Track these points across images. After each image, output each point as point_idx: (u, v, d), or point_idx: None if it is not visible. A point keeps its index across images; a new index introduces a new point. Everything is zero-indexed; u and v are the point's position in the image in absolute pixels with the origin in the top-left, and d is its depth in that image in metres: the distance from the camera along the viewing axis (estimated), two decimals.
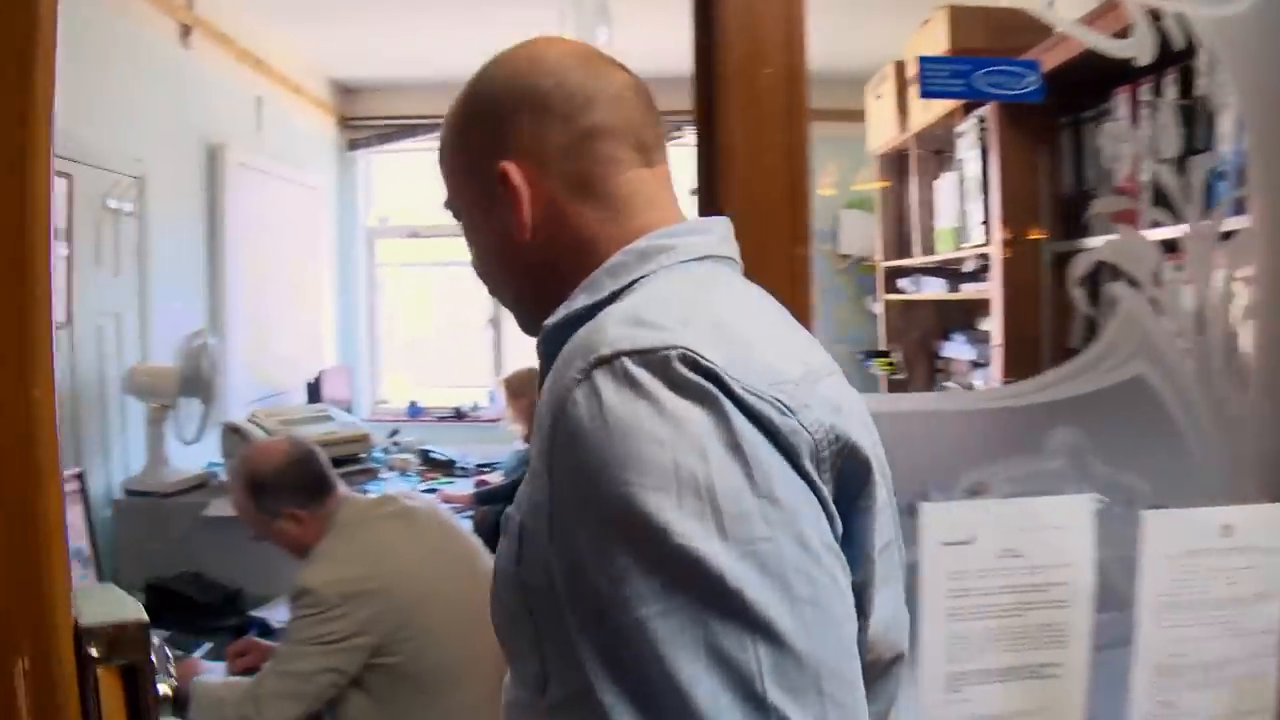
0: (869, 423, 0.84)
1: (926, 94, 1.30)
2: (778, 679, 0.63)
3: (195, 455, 3.54)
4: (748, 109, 1.20)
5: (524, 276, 0.92)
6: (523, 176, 0.87)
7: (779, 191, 1.20)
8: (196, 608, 2.98)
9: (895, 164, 4.17)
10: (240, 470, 2.45)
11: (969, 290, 3.39)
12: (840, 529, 0.73)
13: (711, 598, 0.64)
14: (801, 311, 1.22)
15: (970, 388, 3.66)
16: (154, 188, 3.48)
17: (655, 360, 0.68)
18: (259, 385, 4.45)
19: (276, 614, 3.03)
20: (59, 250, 2.98)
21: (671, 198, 0.92)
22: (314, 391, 4.69)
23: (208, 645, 2.70)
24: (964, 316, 3.91)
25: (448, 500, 4.54)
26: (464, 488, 4.70)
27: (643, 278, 0.82)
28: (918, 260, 3.88)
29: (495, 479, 4.88)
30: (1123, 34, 1.36)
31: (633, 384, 0.67)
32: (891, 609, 0.84)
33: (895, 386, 4.05)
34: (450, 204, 0.96)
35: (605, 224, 0.87)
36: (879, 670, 0.84)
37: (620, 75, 0.91)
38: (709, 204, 1.22)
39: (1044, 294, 2.84)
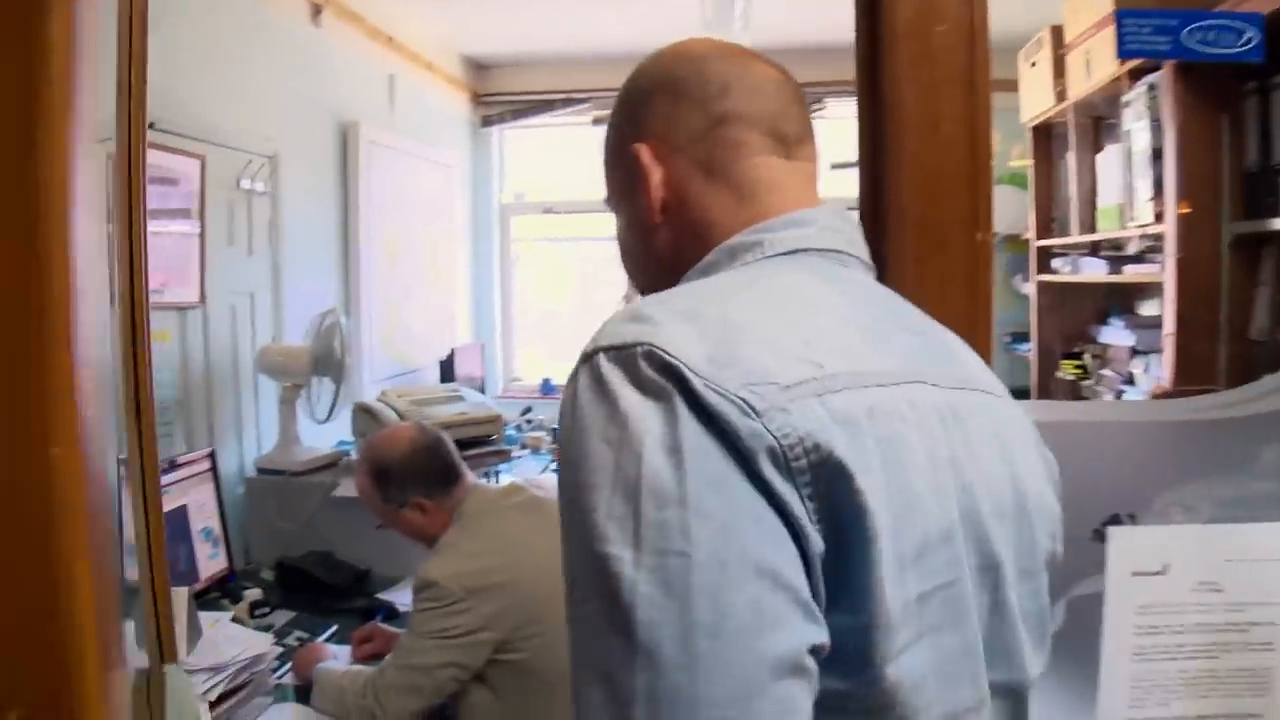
0: (948, 454, 0.76)
1: (1125, 53, 1.12)
2: (650, 709, 0.60)
3: (327, 434, 3.54)
4: (919, 72, 1.04)
5: (655, 268, 0.93)
6: (653, 156, 0.90)
7: (957, 167, 1.04)
8: (324, 588, 2.96)
9: (1051, 136, 3.89)
10: (366, 457, 2.42)
11: (1133, 273, 3.13)
12: (819, 548, 0.66)
13: (611, 608, 0.62)
14: (980, 306, 1.06)
15: (1129, 378, 3.41)
16: (287, 167, 3.47)
17: (625, 357, 0.67)
18: (392, 363, 4.45)
19: (404, 597, 3.00)
20: (192, 229, 2.98)
21: (805, 189, 0.91)
22: (446, 369, 4.67)
23: (334, 627, 2.67)
24: (1123, 299, 3.64)
25: None
26: None
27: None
28: (1075, 239, 3.61)
29: None
30: None
31: (600, 381, 0.67)
32: (935, 665, 0.73)
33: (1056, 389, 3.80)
34: (607, 198, 0.99)
35: (727, 209, 0.88)
36: None
37: (764, 68, 0.92)
38: (872, 183, 1.07)
39: (1224, 278, 2.59)
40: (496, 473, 3.89)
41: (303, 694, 2.25)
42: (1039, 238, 3.97)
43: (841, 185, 5.33)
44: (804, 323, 0.74)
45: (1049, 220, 3.93)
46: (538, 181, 6.03)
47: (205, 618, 1.98)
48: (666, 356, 0.66)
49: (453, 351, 4.75)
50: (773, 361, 0.68)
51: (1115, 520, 1.17)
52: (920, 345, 0.83)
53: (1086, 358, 3.02)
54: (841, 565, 0.67)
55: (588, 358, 0.70)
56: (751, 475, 0.64)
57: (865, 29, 1.11)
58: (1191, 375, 2.54)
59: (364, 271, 4.15)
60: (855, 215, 0.93)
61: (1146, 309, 3.49)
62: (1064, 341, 3.91)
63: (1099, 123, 3.51)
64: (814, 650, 0.64)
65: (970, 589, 0.76)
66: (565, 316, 6.17)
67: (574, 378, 0.70)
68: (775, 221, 0.85)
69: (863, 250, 0.89)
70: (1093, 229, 3.38)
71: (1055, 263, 3.73)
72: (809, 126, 0.92)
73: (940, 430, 0.76)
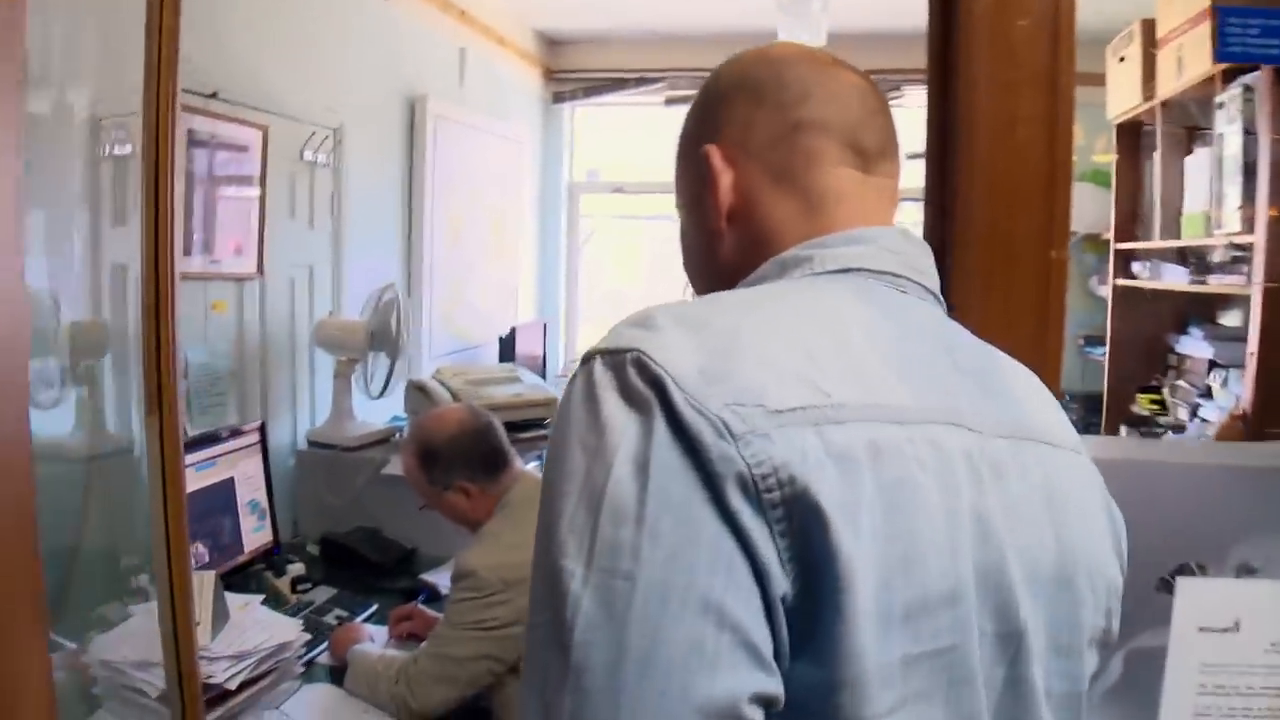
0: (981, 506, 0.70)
1: (1226, 57, 1.01)
2: None
3: (380, 410, 3.53)
4: (996, 70, 0.96)
5: (716, 274, 0.88)
6: (723, 159, 0.86)
7: (1033, 175, 0.95)
8: (369, 565, 2.94)
9: (1136, 135, 3.73)
10: (413, 437, 2.40)
11: (1217, 284, 2.97)
12: (783, 590, 0.61)
13: (557, 623, 0.60)
14: (1052, 329, 0.98)
15: (1206, 391, 3.26)
16: (351, 139, 3.45)
17: (617, 362, 0.65)
18: (452, 338, 4.43)
19: (447, 579, 2.97)
20: (253, 197, 2.97)
21: (879, 206, 0.86)
22: (507, 346, 4.63)
23: (374, 606, 2.65)
24: (1203, 309, 3.49)
25: None
26: None
27: None
28: (1156, 244, 3.45)
29: None
30: None
31: (590, 385, 0.65)
32: None
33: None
34: (678, 202, 0.95)
35: (794, 219, 0.84)
36: None
37: (849, 76, 0.87)
38: (939, 188, 0.99)
39: None
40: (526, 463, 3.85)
41: (337, 675, 2.23)
42: (1119, 239, 3.81)
43: (919, 175, 5.26)
44: (825, 344, 0.70)
45: (1130, 222, 3.77)
46: (609, 160, 5.97)
47: (235, 600, 1.96)
48: (653, 366, 0.63)
49: (513, 329, 4.72)
50: (770, 381, 0.64)
51: (1184, 570, 1.09)
52: (969, 385, 0.76)
53: (1164, 392, 2.87)
54: (811, 613, 0.62)
55: (586, 359, 0.68)
56: (717, 502, 0.60)
57: (939, 20, 1.03)
58: (1274, 396, 2.40)
59: (426, 246, 4.12)
60: (924, 242, 0.86)
61: (1228, 319, 3.34)
62: (1140, 347, 3.76)
63: (1190, 125, 3.35)
64: (760, 700, 0.59)
65: (978, 659, 0.69)
66: (633, 295, 6.11)
67: (573, 377, 0.68)
68: (833, 237, 0.81)
69: (927, 276, 0.83)
70: (1177, 234, 3.23)
71: (1135, 266, 3.58)
72: (893, 141, 0.88)
73: (968, 480, 0.70)
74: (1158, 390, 2.86)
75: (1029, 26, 0.95)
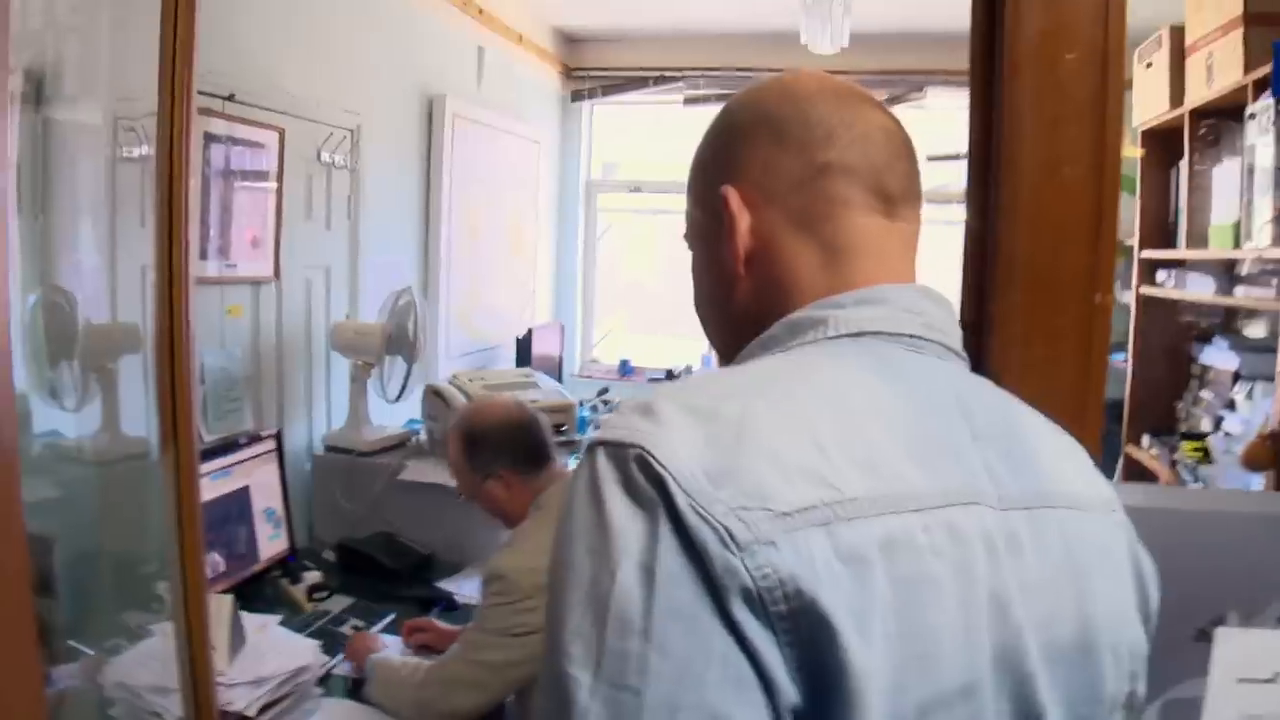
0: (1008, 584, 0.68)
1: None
2: None
3: (397, 414, 3.51)
4: (1043, 104, 0.92)
5: (731, 322, 0.86)
6: (742, 203, 0.82)
7: (1079, 216, 0.92)
8: (385, 573, 2.93)
9: (1164, 143, 3.67)
10: (459, 421, 2.40)
11: (1245, 296, 2.92)
12: (792, 701, 0.59)
13: None
14: (1094, 376, 0.95)
15: (1231, 403, 3.21)
16: (368, 140, 3.43)
17: (621, 457, 0.63)
18: (469, 340, 4.41)
19: (464, 587, 2.97)
20: (270, 199, 2.95)
21: (901, 255, 0.83)
22: (524, 347, 4.62)
23: (391, 615, 2.64)
24: (1228, 319, 3.44)
25: None
26: None
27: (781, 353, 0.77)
28: (1183, 253, 3.40)
29: None
30: None
31: (594, 480, 0.63)
32: None
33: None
34: (686, 234, 0.91)
35: (813, 269, 0.80)
36: None
37: (876, 116, 0.83)
38: (979, 228, 0.95)
39: None
40: (566, 463, 3.82)
41: (355, 689, 2.21)
42: (1144, 247, 3.76)
43: (939, 175, 5.20)
44: (837, 429, 0.66)
45: (1156, 229, 3.72)
46: (626, 159, 5.94)
47: (252, 621, 1.94)
48: (656, 466, 0.61)
49: (530, 331, 4.70)
50: (777, 479, 0.62)
51: (1222, 620, 1.06)
52: (989, 455, 0.73)
53: (1210, 440, 2.81)
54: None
55: (590, 449, 0.65)
56: (723, 613, 0.59)
57: (980, 51, 0.99)
58: None
59: (444, 247, 4.10)
60: (945, 298, 0.82)
61: (1252, 330, 3.29)
62: (1163, 356, 3.72)
63: (1218, 134, 3.29)
64: None
65: None
66: (650, 289, 6.08)
67: (578, 467, 0.66)
68: (848, 297, 0.78)
69: (948, 334, 0.80)
70: (1203, 244, 3.18)
71: (1159, 275, 3.53)
72: (917, 184, 0.84)
73: (986, 562, 0.68)
74: (1201, 439, 2.80)
75: (1076, 60, 0.92)
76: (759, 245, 0.81)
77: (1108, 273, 0.92)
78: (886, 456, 0.66)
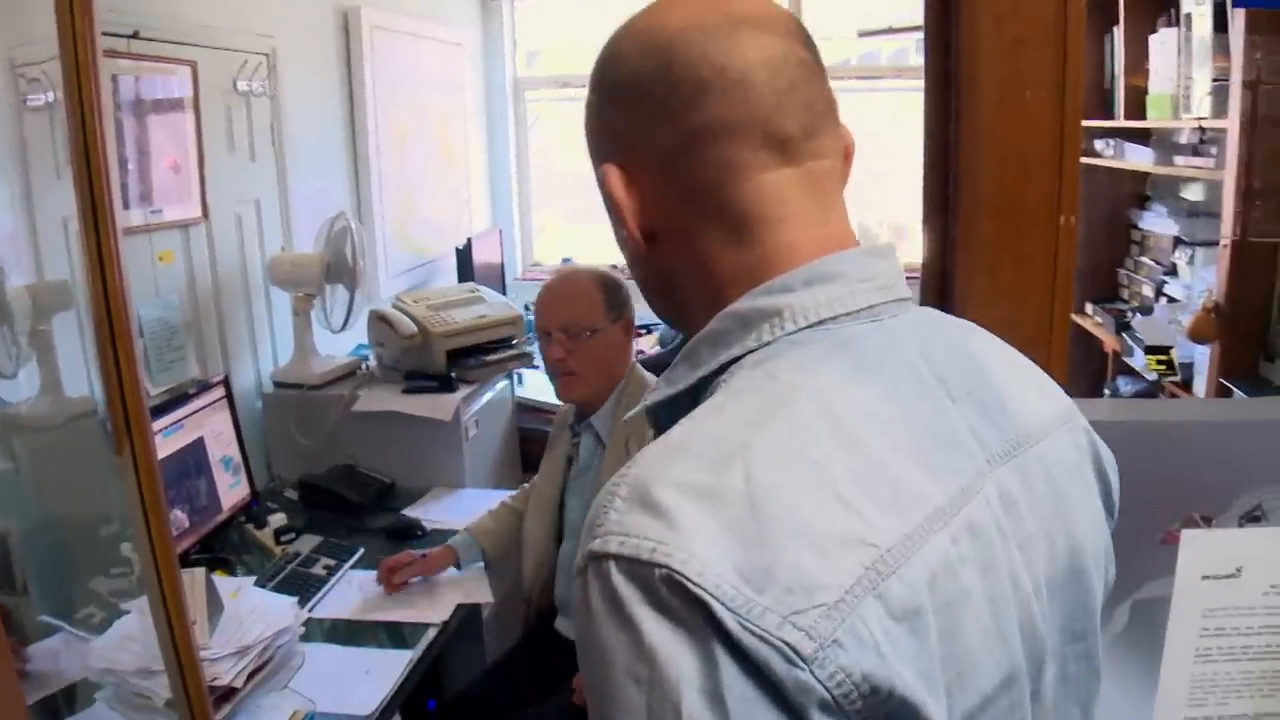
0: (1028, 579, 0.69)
1: (1242, 3, 0.95)
2: None
3: (344, 342, 3.46)
4: (1003, 26, 0.89)
5: (660, 292, 0.81)
6: (626, 183, 0.75)
7: (1043, 140, 0.90)
8: (349, 506, 2.92)
9: (1099, 8, 3.62)
10: (591, 270, 2.44)
11: (1185, 166, 2.92)
12: None
13: None
14: (1060, 299, 0.94)
15: (1172, 268, 3.25)
16: (286, 64, 3.28)
17: (642, 577, 0.56)
18: (409, 256, 4.34)
19: (429, 512, 2.97)
20: (189, 137, 2.84)
21: (820, 201, 0.74)
22: (464, 258, 4.55)
23: (361, 550, 2.63)
24: (1168, 183, 3.46)
25: None
26: None
27: (740, 359, 0.70)
28: (1121, 123, 3.39)
29: (650, 342, 4.75)
30: None
31: (616, 604, 0.57)
32: None
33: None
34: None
35: (722, 249, 0.73)
36: None
37: (757, 45, 0.71)
38: (941, 157, 0.93)
39: None
40: (519, 375, 3.81)
41: (337, 633, 2.22)
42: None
43: (865, 46, 5.12)
44: (846, 468, 0.61)
45: (1090, 95, 3.70)
46: (549, 46, 5.77)
47: (227, 586, 1.92)
48: (691, 587, 0.55)
49: (470, 240, 4.63)
50: (816, 561, 0.57)
51: (1189, 523, 1.11)
52: (969, 415, 0.71)
53: (1174, 352, 2.83)
54: None
55: (597, 559, 0.58)
56: None
57: None
58: (1248, 288, 2.39)
59: (374, 165, 3.98)
60: (888, 246, 0.76)
61: (1191, 193, 3.31)
62: (1101, 224, 3.74)
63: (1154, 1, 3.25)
64: None
65: (1029, 712, 0.69)
66: (583, 176, 5.93)
67: (584, 579, 0.59)
68: (795, 278, 0.70)
69: (898, 285, 0.74)
70: (1141, 114, 3.17)
71: (1097, 144, 3.53)
72: (824, 109, 0.74)
73: (999, 544, 0.67)
74: (1165, 351, 2.82)
75: None
76: (656, 223, 0.75)
77: (1072, 195, 0.91)
78: (900, 478, 0.63)
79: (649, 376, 2.42)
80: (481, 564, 2.56)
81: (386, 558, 2.48)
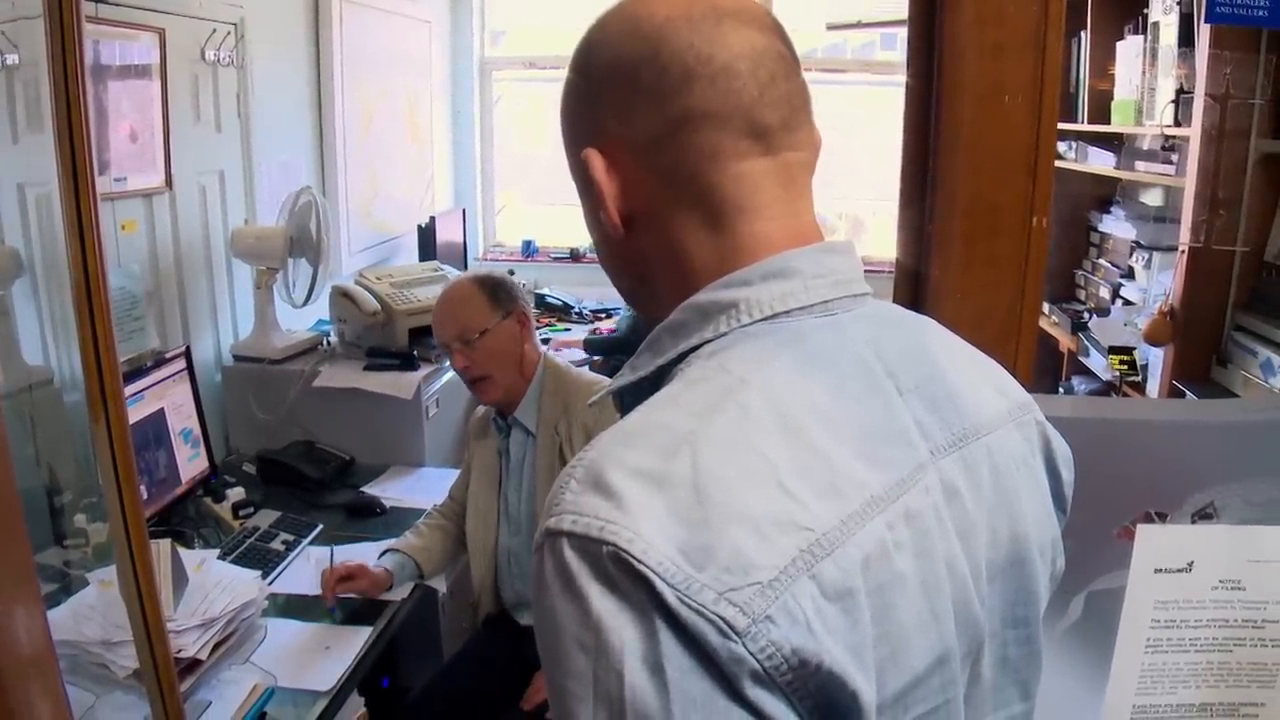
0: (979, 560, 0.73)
1: (1215, 19, 0.98)
2: None
3: (305, 317, 3.44)
4: (983, 33, 0.91)
5: (630, 280, 0.83)
6: (607, 168, 0.76)
7: (1019, 145, 0.92)
8: (308, 482, 2.91)
9: (1067, 11, 3.66)
10: (472, 275, 2.46)
11: (1146, 171, 2.98)
12: None
13: None
14: (1030, 295, 0.98)
15: (1129, 271, 3.31)
16: (254, 34, 3.25)
17: (590, 552, 0.60)
18: (372, 233, 4.31)
19: (388, 490, 2.97)
20: (154, 106, 2.80)
21: (793, 194, 0.77)
22: (427, 236, 4.54)
23: (319, 527, 2.63)
24: (1129, 187, 3.52)
25: (563, 346, 4.47)
26: (579, 335, 4.65)
27: (697, 349, 0.73)
28: (1085, 127, 3.44)
29: (610, 326, 4.77)
30: None
31: (567, 576, 0.60)
32: None
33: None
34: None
35: (698, 235, 0.75)
36: None
37: (741, 37, 0.74)
38: (919, 158, 0.95)
39: (1245, 197, 2.44)
40: None
41: (296, 608, 2.21)
42: None
43: (831, 39, 5.14)
44: (790, 457, 0.64)
45: (1059, 100, 3.75)
46: (515, 26, 5.73)
47: (191, 558, 1.91)
48: (635, 564, 0.58)
49: (433, 219, 4.62)
50: (753, 542, 0.60)
51: (1145, 519, 1.15)
52: (917, 408, 0.74)
53: (1136, 353, 2.88)
54: None
55: (551, 536, 0.61)
56: (738, 696, 0.59)
57: None
58: (1202, 293, 2.45)
59: (339, 140, 3.95)
60: (847, 243, 0.79)
61: (1150, 198, 3.37)
62: (1061, 225, 3.79)
63: (1122, 7, 3.29)
64: None
65: (961, 696, 0.72)
66: (545, 159, 5.91)
67: (540, 554, 0.62)
68: (754, 272, 0.73)
69: (855, 280, 0.77)
70: (1106, 119, 3.22)
71: (1060, 146, 3.58)
72: (800, 104, 0.76)
73: (937, 531, 0.70)
74: (1129, 352, 2.88)
75: None
76: (635, 208, 0.76)
77: (1045, 197, 0.93)
78: (841, 467, 0.66)
79: (572, 369, 2.47)
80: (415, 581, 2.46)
81: (334, 565, 2.33)
